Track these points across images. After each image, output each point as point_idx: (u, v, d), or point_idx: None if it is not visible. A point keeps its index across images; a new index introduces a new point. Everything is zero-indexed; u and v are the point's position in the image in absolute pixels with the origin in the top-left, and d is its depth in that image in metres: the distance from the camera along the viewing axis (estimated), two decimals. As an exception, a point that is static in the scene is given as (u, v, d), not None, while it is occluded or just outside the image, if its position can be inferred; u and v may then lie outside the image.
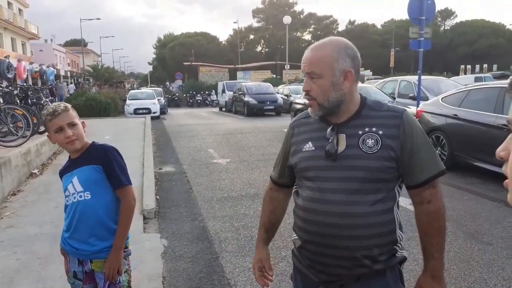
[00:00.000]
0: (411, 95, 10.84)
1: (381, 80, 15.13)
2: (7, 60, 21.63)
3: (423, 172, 1.38)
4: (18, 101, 8.81)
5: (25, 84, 16.66)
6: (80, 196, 1.89)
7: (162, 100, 23.62)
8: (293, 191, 1.60)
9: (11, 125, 7.56)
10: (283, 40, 41.49)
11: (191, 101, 32.85)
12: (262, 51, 65.66)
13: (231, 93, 22.20)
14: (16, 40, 34.40)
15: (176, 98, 33.99)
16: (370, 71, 40.94)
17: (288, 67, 33.32)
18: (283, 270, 3.40)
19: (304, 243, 1.47)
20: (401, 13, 66.95)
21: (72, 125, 1.88)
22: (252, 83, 23.74)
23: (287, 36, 33.10)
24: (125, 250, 1.99)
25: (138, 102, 19.98)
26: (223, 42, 65.18)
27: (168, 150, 9.87)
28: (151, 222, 4.70)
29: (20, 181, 6.16)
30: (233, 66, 45.22)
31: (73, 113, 1.92)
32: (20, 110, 7.67)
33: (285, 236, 4.11)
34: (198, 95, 32.79)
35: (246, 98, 19.08)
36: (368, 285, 1.39)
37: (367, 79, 25.88)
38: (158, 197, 5.68)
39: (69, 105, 1.95)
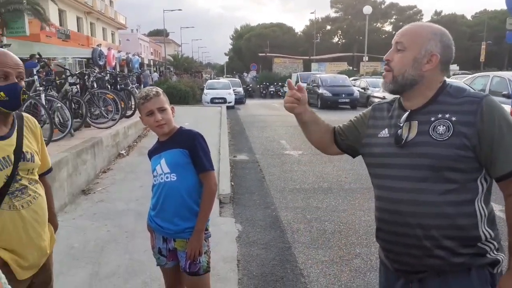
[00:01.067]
0: (504, 92, 9.87)
1: (470, 76, 13.97)
2: (99, 48, 23.56)
3: (508, 162, 1.27)
4: (108, 86, 9.55)
5: (114, 71, 18.03)
6: (167, 178, 2.00)
7: (241, 90, 24.19)
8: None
9: (102, 108, 8.25)
10: (362, 31, 40.11)
11: (264, 92, 33.15)
12: (339, 42, 64.04)
13: (305, 85, 22.01)
14: (107, 30, 37.24)
15: (250, 89, 34.55)
16: (457, 65, 38.00)
17: (367, 59, 32.17)
18: (357, 267, 3.33)
19: (377, 231, 1.48)
20: (496, 3, 60.91)
21: (162, 109, 1.99)
22: (327, 75, 23.32)
23: (366, 27, 31.90)
24: (206, 232, 2.07)
25: (214, 92, 20.62)
26: (299, 33, 64.63)
27: (242, 139, 10.10)
28: (226, 207, 4.87)
29: (109, 160, 6.72)
30: (307, 57, 44.69)
31: (163, 98, 2.03)
32: (111, 95, 8.33)
33: (360, 233, 4.02)
34: (271, 86, 32.97)
35: (320, 90, 18.78)
36: (447, 283, 1.33)
37: (453, 74, 24.09)
38: (233, 183, 5.85)
39: (160, 90, 2.06)
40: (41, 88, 6.31)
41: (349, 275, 3.21)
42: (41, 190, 1.75)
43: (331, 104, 18.23)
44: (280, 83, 33.35)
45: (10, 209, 1.58)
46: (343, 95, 18.37)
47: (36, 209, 1.68)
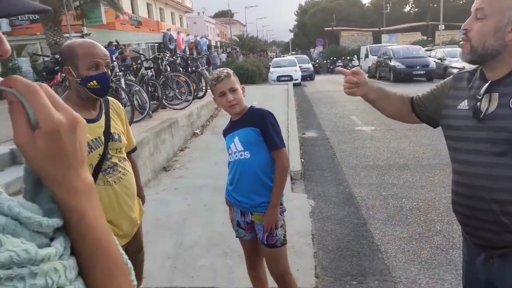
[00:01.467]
0: None
1: None
2: (169, 33, 24.46)
3: None
4: (180, 69, 9.93)
5: (184, 54, 18.67)
6: (241, 155, 2.07)
7: (310, 66, 24.01)
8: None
9: (176, 91, 8.63)
10: (437, -3, 37.08)
11: (331, 67, 32.33)
12: (411, 11, 59.92)
13: (375, 57, 21.06)
14: (175, 14, 38.42)
15: (316, 65, 33.88)
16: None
17: (443, 28, 29.81)
18: (439, 244, 3.21)
19: (453, 204, 1.45)
20: None
21: (233, 90, 2.04)
22: (400, 46, 22.06)
23: (442, -8, 29.42)
24: (281, 206, 2.12)
25: (280, 70, 20.52)
26: (367, 4, 61.49)
27: (310, 116, 10.01)
28: (298, 183, 4.91)
29: (186, 139, 7.07)
30: (377, 29, 42.56)
31: (234, 78, 2.08)
32: (183, 77, 8.66)
33: (440, 210, 3.85)
34: (339, 61, 32.00)
35: (392, 63, 17.86)
36: None
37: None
38: (303, 160, 5.86)
39: (231, 71, 2.10)
40: (120, 74, 6.75)
41: (430, 252, 3.10)
42: (129, 167, 1.91)
43: (405, 76, 17.25)
44: (348, 57, 32.27)
45: (105, 185, 1.74)
46: (418, 67, 17.27)
47: (126, 184, 1.83)
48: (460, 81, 1.45)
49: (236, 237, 2.28)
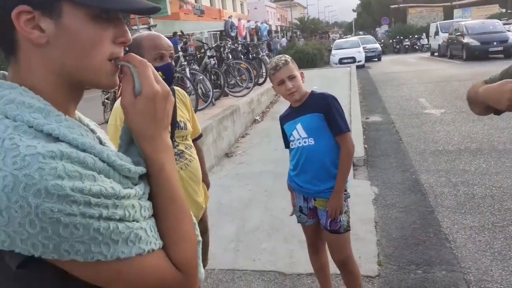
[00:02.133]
0: None
1: None
2: (230, 20, 24.71)
3: None
4: (241, 56, 10.06)
5: (245, 41, 18.82)
6: (305, 142, 2.06)
7: (378, 46, 23.37)
8: None
9: (237, 78, 8.78)
10: (520, -37, 33.46)
11: (397, 47, 30.77)
12: (488, -19, 54.74)
13: (446, 35, 19.64)
14: (236, 1, 38.74)
15: (381, 45, 32.42)
16: None
17: (525, -3, 26.93)
18: (515, 235, 2.99)
19: None
20: None
21: (292, 77, 2.03)
22: (474, 21, 20.34)
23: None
24: (345, 193, 2.10)
25: (342, 52, 19.92)
26: (438, -23, 57.27)
27: (374, 100, 9.66)
28: (360, 169, 4.80)
29: (246, 126, 7.20)
30: (449, 3, 39.51)
31: (292, 65, 2.06)
32: (244, 64, 8.77)
33: (517, 197, 3.57)
34: (406, 40, 30.36)
35: (466, 40, 16.51)
36: None
37: None
38: (366, 146, 5.71)
39: (289, 58, 2.09)
40: (185, 63, 7.01)
41: (504, 242, 2.91)
42: (194, 153, 1.99)
43: (479, 54, 15.90)
44: (416, 36, 30.47)
45: None
46: (495, 43, 15.81)
47: (192, 170, 1.92)
48: None
49: (298, 222, 2.30)
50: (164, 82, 0.72)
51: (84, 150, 0.60)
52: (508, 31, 16.98)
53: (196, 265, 0.72)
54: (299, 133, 2.09)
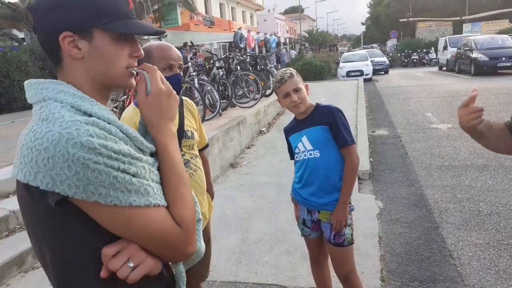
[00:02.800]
0: None
1: None
2: (240, 32, 24.95)
3: None
4: (250, 67, 10.14)
5: (253, 52, 18.98)
6: (310, 154, 2.07)
7: (385, 60, 23.74)
8: None
9: (245, 89, 8.84)
10: (530, -20, 33.41)
11: (405, 60, 30.77)
12: (498, -4, 54.72)
13: (455, 49, 19.61)
14: (246, 13, 39.11)
15: (389, 58, 32.43)
16: None
17: (535, 13, 26.82)
18: (520, 253, 2.95)
19: None
20: None
21: (297, 90, 2.05)
22: (483, 36, 20.30)
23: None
24: (350, 205, 2.10)
25: (350, 65, 19.95)
26: (447, -8, 57.38)
27: (381, 113, 9.65)
28: (365, 183, 4.79)
29: (252, 137, 7.22)
30: (458, 18, 39.53)
31: (297, 78, 2.08)
32: (252, 76, 8.84)
33: (523, 215, 3.53)
34: (414, 53, 30.34)
35: (474, 54, 16.48)
36: None
37: None
38: (371, 159, 5.70)
39: (294, 71, 2.11)
40: (194, 74, 7.08)
41: (509, 261, 2.87)
42: (200, 164, 2.00)
43: (488, 69, 15.85)
44: (424, 50, 30.47)
45: None
46: (503, 58, 15.75)
47: (197, 180, 1.93)
48: None
49: (302, 235, 2.29)
50: (168, 83, 0.95)
51: (109, 123, 0.81)
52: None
53: (194, 226, 0.89)
54: (304, 145, 2.10)
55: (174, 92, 0.95)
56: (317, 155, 2.06)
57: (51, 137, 0.73)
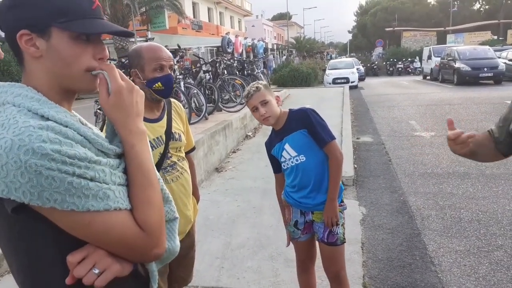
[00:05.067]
0: None
1: None
2: (227, 37, 24.99)
3: None
4: (237, 72, 10.14)
5: (241, 57, 19.01)
6: (297, 160, 2.07)
7: (360, 68, 23.95)
8: None
9: (232, 93, 8.82)
10: (511, -7, 34.40)
11: (391, 69, 31.27)
12: (481, 9, 56.18)
13: (439, 59, 20.02)
14: (234, 18, 39.21)
15: (375, 67, 32.90)
16: None
17: (516, 26, 27.62)
18: (499, 260, 3.00)
19: None
20: None
21: (265, 102, 2.03)
22: (466, 46, 20.77)
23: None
24: (342, 204, 2.12)
25: (337, 72, 20.16)
26: (432, 3, 58.64)
27: (366, 120, 9.75)
28: (349, 189, 4.81)
29: (238, 141, 7.21)
30: (442, 28, 40.40)
31: (265, 91, 2.06)
32: (239, 80, 8.84)
33: (503, 223, 3.61)
34: (399, 62, 30.90)
35: (457, 65, 16.85)
36: None
37: None
38: (356, 166, 5.74)
39: (261, 84, 2.09)
40: (180, 77, 7.04)
41: (489, 268, 2.91)
42: (187, 166, 1.98)
43: (470, 79, 16.25)
44: (409, 59, 31.03)
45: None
46: (485, 69, 16.15)
47: (183, 182, 1.91)
48: None
49: (292, 238, 2.27)
50: (128, 79, 0.91)
51: (66, 126, 0.79)
52: (499, 57, 17.35)
53: (160, 228, 0.87)
54: (289, 152, 2.09)
55: (136, 87, 0.92)
56: (303, 159, 2.06)
57: (4, 144, 0.72)
